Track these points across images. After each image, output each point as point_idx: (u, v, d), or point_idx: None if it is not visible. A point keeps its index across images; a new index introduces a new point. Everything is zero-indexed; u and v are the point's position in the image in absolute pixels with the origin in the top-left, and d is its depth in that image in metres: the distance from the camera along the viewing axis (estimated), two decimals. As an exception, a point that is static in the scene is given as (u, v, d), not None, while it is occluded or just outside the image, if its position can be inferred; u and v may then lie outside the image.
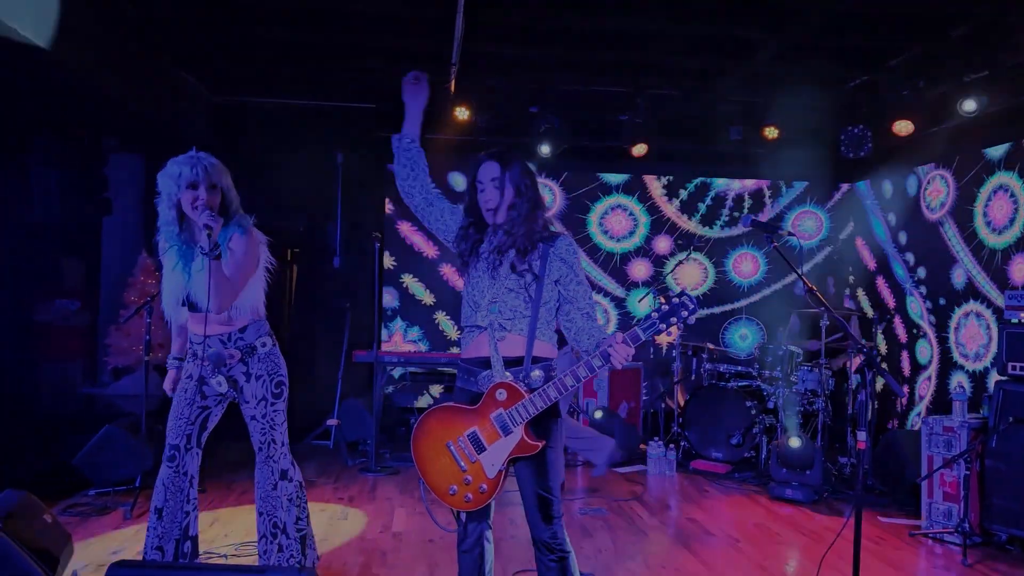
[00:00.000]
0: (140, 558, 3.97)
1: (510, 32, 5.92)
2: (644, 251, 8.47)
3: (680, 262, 7.93)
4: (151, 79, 6.18)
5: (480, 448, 2.69)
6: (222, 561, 4.07)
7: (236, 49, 6.43)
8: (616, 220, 8.47)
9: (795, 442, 5.72)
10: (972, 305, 6.49)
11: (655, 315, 2.66)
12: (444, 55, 6.05)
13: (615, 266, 8.45)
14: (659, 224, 8.49)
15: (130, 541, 4.36)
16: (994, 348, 6.06)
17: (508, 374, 2.71)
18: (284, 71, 6.87)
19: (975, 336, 6.40)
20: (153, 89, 6.23)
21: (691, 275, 8.49)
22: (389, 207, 8.12)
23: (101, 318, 6.85)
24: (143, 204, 7.16)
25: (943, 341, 6.82)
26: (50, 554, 3.43)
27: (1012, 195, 6.10)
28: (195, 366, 3.38)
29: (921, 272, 7.16)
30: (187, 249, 3.26)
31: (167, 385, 3.58)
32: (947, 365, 6.76)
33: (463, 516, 2.87)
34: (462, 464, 2.72)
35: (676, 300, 2.67)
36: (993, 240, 6.27)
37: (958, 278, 6.64)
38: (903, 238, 7.45)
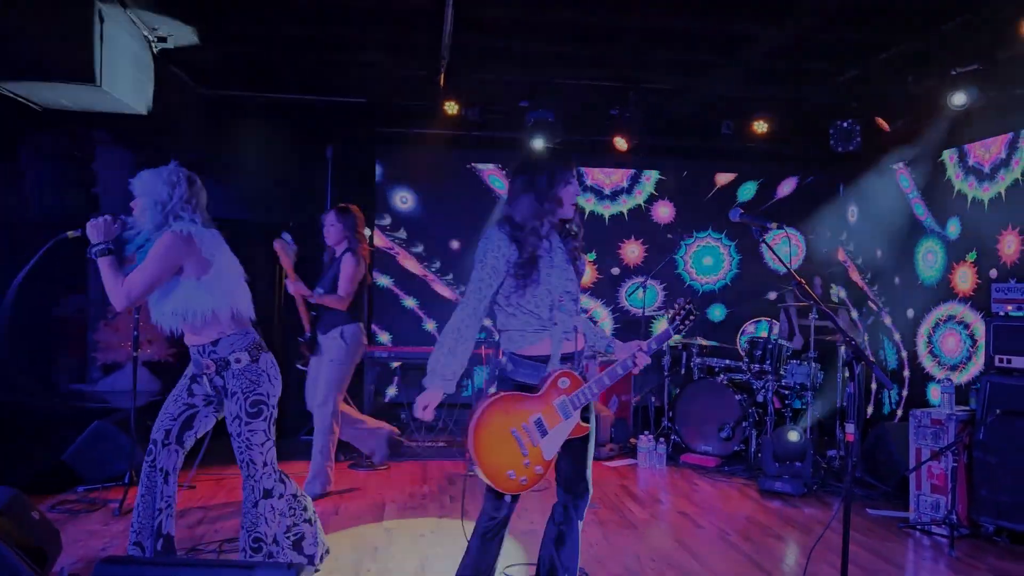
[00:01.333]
0: (128, 555, 3.97)
1: (500, 25, 5.90)
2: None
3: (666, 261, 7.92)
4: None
5: (543, 432, 2.91)
6: (212, 556, 4.06)
7: (225, 43, 6.39)
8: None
9: (794, 435, 5.73)
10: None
11: (670, 328, 3.13)
12: (433, 48, 6.03)
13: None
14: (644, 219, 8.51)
15: (119, 538, 4.34)
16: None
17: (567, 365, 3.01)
18: (274, 64, 6.83)
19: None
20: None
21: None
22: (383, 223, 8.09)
23: (90, 314, 6.82)
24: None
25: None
26: (39, 551, 3.42)
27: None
28: (191, 365, 3.44)
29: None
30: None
31: None
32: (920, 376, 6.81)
33: (507, 499, 3.03)
34: (524, 449, 2.89)
35: (684, 309, 3.10)
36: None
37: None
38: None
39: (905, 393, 7.02)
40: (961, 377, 6.24)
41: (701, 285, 8.57)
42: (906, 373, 7.05)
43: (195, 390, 3.41)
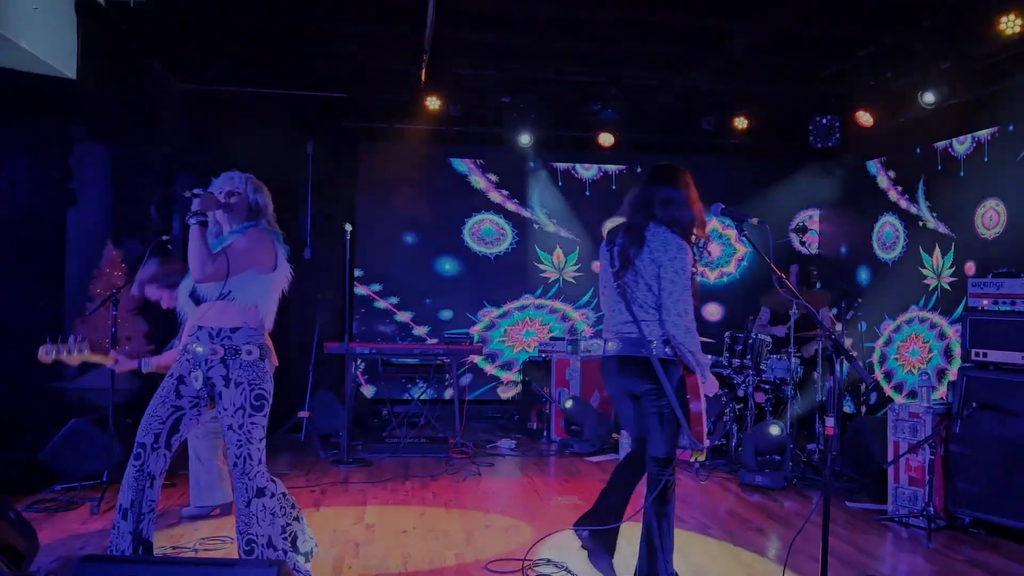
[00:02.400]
0: (106, 554, 3.93)
1: (482, 20, 5.89)
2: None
3: None
4: (118, 68, 6.07)
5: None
6: (191, 555, 4.03)
7: (205, 37, 6.33)
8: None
9: (775, 429, 5.77)
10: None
11: None
12: (416, 43, 6.01)
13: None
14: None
15: (97, 536, 4.30)
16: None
17: None
18: (254, 59, 6.78)
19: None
20: (120, 78, 6.12)
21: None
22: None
23: (67, 310, 6.74)
24: (110, 195, 7.05)
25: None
26: (15, 551, 3.38)
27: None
28: (179, 365, 3.41)
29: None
30: (215, 244, 3.44)
31: (151, 362, 3.96)
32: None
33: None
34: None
35: None
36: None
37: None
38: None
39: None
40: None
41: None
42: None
43: (182, 391, 3.36)
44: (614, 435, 6.96)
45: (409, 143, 7.94)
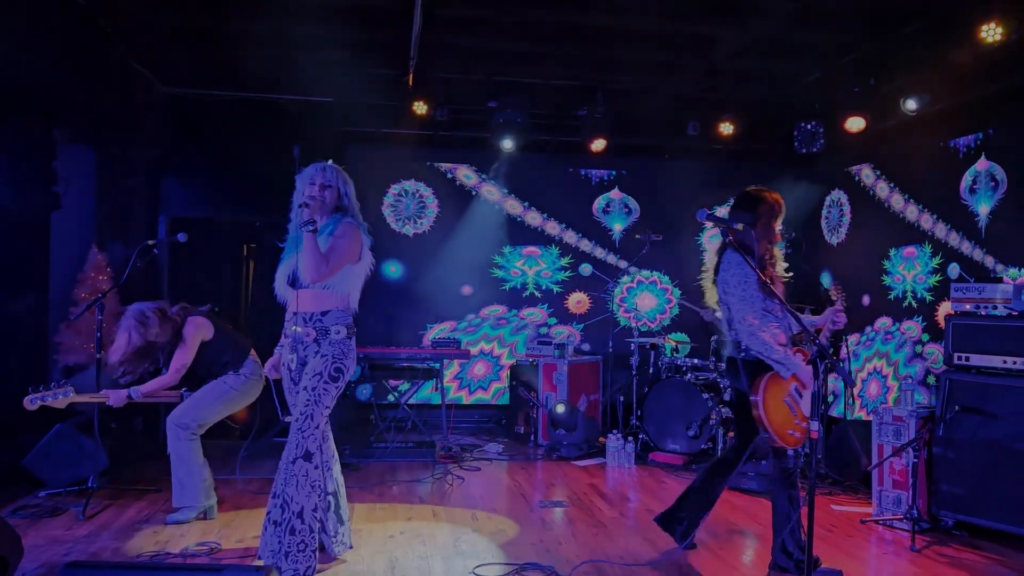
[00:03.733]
0: (93, 559, 3.91)
1: (469, 25, 5.90)
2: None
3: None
4: (103, 70, 6.04)
5: (800, 396, 3.73)
6: (178, 560, 4.02)
7: (191, 41, 6.32)
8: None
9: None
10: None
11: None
12: (402, 47, 6.01)
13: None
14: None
15: (82, 543, 4.27)
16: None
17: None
18: (240, 63, 6.76)
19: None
20: (105, 81, 6.09)
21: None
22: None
23: (51, 315, 6.69)
24: (95, 198, 7.00)
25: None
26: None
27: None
28: (284, 349, 3.91)
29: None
30: (298, 237, 3.74)
31: (267, 366, 4.04)
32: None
33: (791, 453, 3.82)
34: (794, 410, 3.72)
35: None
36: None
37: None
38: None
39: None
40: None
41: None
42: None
43: (293, 378, 3.86)
44: (601, 439, 6.98)
45: (396, 147, 7.94)
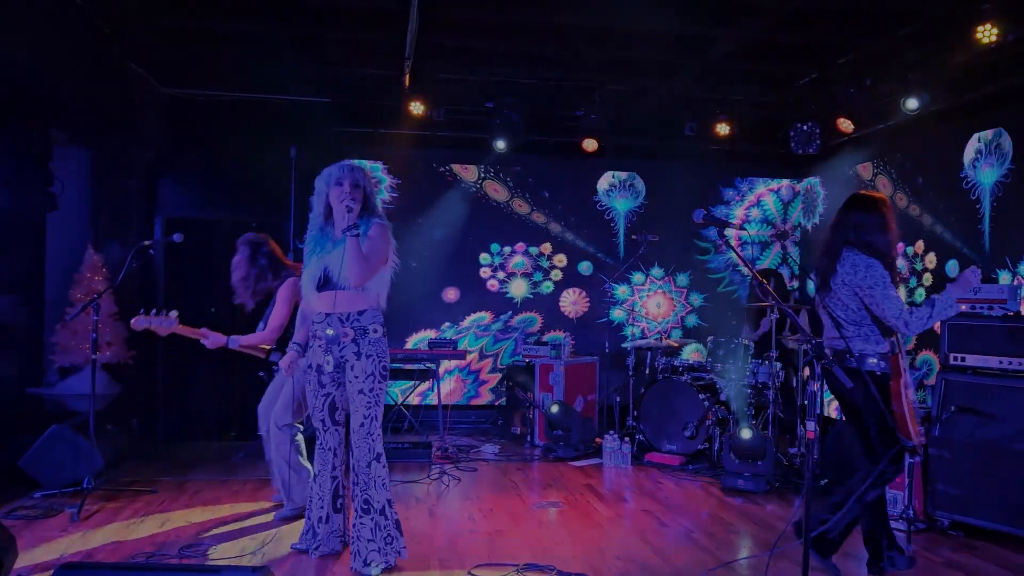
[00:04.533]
0: (88, 561, 3.90)
1: (466, 25, 5.91)
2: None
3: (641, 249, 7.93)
4: (100, 71, 6.03)
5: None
6: (174, 562, 4.01)
7: (188, 41, 6.31)
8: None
9: (746, 433, 5.81)
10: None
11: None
12: (399, 48, 6.01)
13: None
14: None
15: (78, 544, 4.26)
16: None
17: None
18: (237, 63, 6.76)
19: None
20: (102, 81, 6.08)
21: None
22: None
23: (47, 316, 6.68)
24: (92, 199, 7.00)
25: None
26: (-6, 558, 3.34)
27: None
28: (313, 352, 3.87)
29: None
30: (321, 238, 3.80)
31: (283, 363, 4.12)
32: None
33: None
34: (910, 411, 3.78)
35: None
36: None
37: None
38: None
39: None
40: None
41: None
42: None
43: (323, 380, 3.85)
44: (597, 439, 6.98)
45: (392, 148, 7.93)
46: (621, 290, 8.56)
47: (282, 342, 4.87)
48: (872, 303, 3.72)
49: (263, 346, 4.92)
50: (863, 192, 4.00)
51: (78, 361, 6.42)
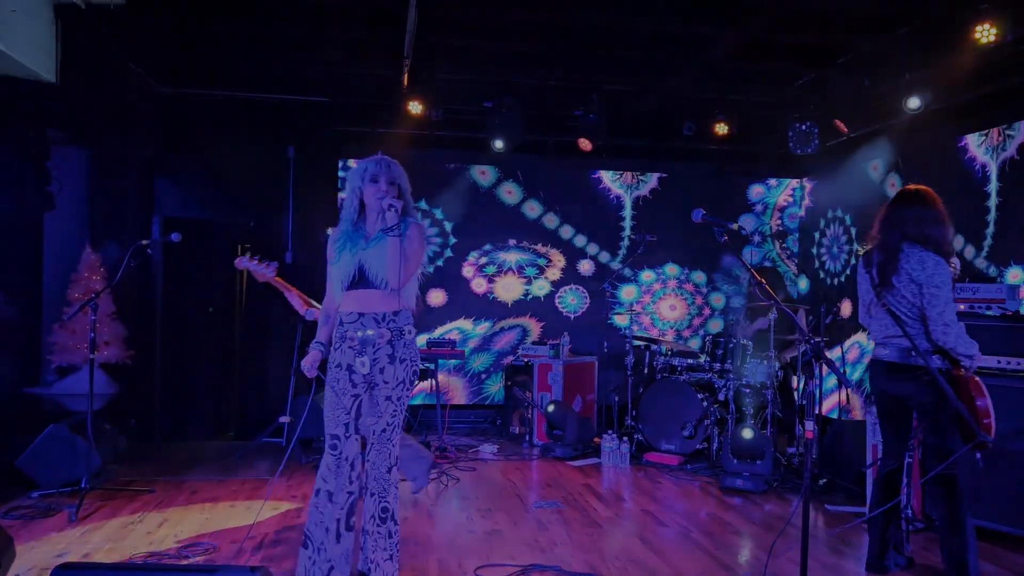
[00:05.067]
0: (85, 560, 3.90)
1: (464, 25, 5.90)
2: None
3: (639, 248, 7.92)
4: (97, 69, 6.02)
5: None
6: (171, 562, 4.00)
7: (186, 40, 6.30)
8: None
9: (748, 433, 5.82)
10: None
11: None
12: (397, 48, 6.01)
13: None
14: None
15: (75, 544, 4.25)
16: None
17: None
18: (235, 63, 6.75)
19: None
20: (99, 80, 6.07)
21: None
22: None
23: (44, 315, 6.67)
24: (88, 198, 6.99)
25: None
26: (-9, 558, 3.34)
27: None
28: (342, 353, 3.56)
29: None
30: (354, 234, 3.57)
31: (305, 364, 3.65)
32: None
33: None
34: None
35: None
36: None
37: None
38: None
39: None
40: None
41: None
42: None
43: (355, 379, 3.55)
44: (596, 439, 6.97)
45: (391, 148, 7.92)
46: (627, 291, 8.55)
47: None
48: (932, 303, 3.66)
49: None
50: (914, 186, 3.92)
51: (76, 361, 6.41)
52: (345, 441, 3.55)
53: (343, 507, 3.53)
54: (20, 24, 4.79)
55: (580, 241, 8.53)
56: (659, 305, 8.65)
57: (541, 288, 8.47)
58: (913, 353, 3.70)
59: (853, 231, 7.72)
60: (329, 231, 6.77)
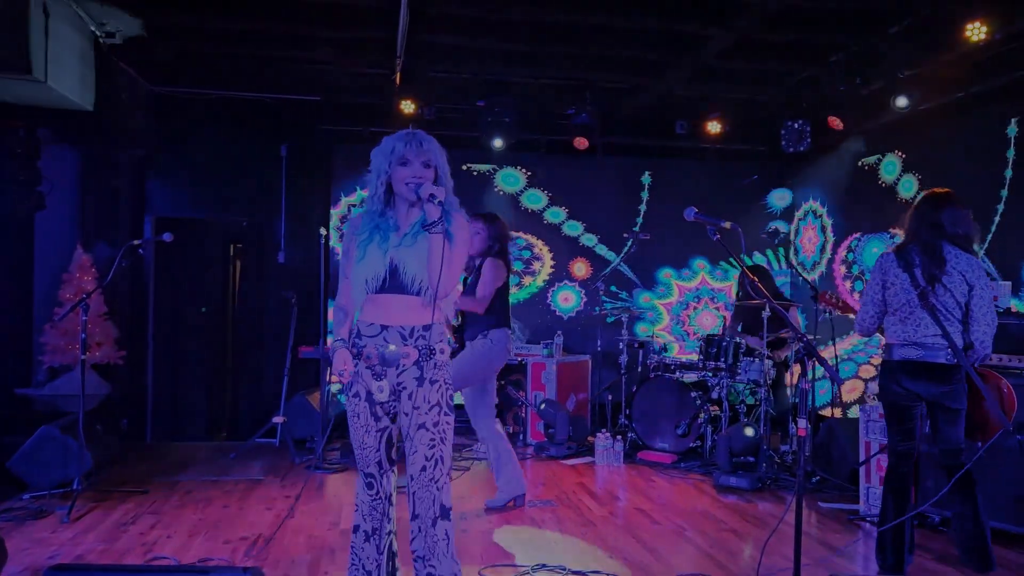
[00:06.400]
0: (78, 562, 3.88)
1: (457, 23, 5.89)
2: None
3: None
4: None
5: None
6: (167, 563, 3.99)
7: (177, 40, 6.28)
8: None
9: (749, 431, 5.82)
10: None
11: None
12: (389, 46, 6.00)
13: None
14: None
15: (68, 545, 4.23)
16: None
17: None
18: (226, 62, 6.72)
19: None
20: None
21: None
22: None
23: (35, 316, 6.64)
24: (80, 198, 6.96)
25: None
26: (-17, 560, 3.32)
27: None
28: (359, 380, 2.95)
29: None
30: (383, 225, 2.92)
31: (337, 367, 2.98)
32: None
33: None
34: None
35: None
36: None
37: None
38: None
39: None
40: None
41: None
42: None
43: (378, 411, 2.97)
44: (589, 438, 6.98)
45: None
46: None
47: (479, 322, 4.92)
48: (980, 303, 3.76)
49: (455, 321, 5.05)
50: (939, 189, 3.98)
51: (67, 361, 6.38)
52: (380, 478, 3.06)
53: (382, 551, 3.08)
54: (64, 58, 4.89)
55: (573, 238, 8.52)
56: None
57: (534, 286, 8.47)
58: (951, 353, 3.76)
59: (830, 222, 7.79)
60: (322, 230, 6.77)
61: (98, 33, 5.52)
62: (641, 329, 8.30)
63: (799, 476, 3.15)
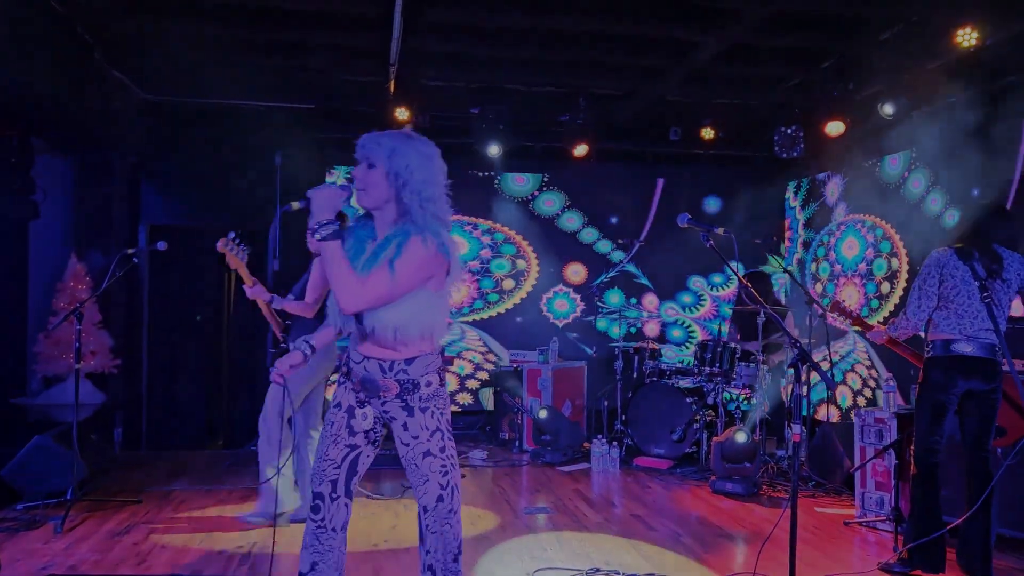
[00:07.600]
0: (71, 573, 3.86)
1: (450, 31, 5.90)
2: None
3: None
4: (81, 78, 5.99)
5: None
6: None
7: (170, 47, 6.27)
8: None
9: (741, 437, 5.82)
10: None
11: None
12: (383, 54, 6.00)
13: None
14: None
15: (61, 556, 4.21)
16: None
17: None
18: (220, 69, 6.71)
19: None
20: (83, 88, 6.04)
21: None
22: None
23: (29, 325, 6.63)
24: (74, 207, 6.95)
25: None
26: (-25, 572, 3.30)
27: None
28: (344, 392, 2.72)
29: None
30: (362, 234, 2.66)
31: (281, 366, 2.76)
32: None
33: None
34: None
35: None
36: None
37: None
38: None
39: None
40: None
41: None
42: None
43: (354, 426, 2.68)
44: (585, 444, 6.97)
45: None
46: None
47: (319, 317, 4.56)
48: (1012, 304, 3.97)
49: (285, 322, 4.87)
50: (996, 201, 4.33)
51: (61, 371, 6.36)
52: (331, 503, 2.66)
53: None
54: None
55: (569, 244, 8.53)
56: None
57: (529, 291, 8.46)
58: (997, 349, 3.89)
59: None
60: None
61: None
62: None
63: (793, 481, 3.15)
